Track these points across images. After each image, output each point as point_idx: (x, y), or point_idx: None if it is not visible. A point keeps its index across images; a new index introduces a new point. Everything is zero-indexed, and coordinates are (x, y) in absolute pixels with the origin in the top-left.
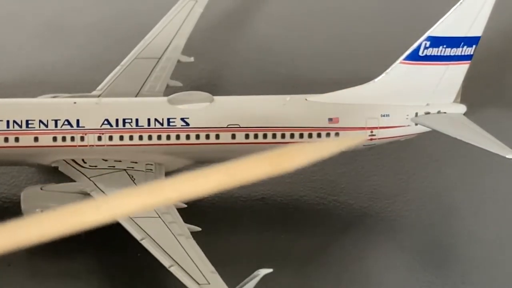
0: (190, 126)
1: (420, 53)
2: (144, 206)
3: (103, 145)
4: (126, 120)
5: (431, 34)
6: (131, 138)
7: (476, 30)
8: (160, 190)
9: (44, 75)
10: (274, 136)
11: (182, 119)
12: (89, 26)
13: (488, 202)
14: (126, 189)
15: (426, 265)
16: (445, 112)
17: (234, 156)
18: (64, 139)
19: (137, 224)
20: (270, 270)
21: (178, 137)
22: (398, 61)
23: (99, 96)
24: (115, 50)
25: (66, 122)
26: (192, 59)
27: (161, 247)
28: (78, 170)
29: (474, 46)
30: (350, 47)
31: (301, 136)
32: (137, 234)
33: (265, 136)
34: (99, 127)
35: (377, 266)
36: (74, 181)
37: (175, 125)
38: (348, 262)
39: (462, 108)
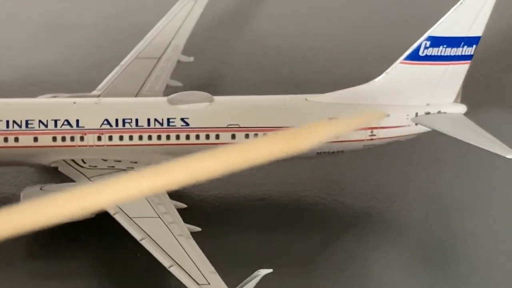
0: (190, 126)
1: (420, 53)
2: (152, 189)
3: (103, 145)
4: (126, 120)
5: (431, 34)
6: (131, 138)
7: (476, 30)
8: (167, 171)
9: (44, 75)
10: None
11: (182, 119)
12: (89, 26)
13: (488, 202)
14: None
15: (426, 265)
16: (445, 112)
17: None
18: (63, 139)
19: (137, 224)
20: (270, 270)
21: (178, 137)
22: (398, 61)
23: (99, 96)
24: (115, 50)
25: (65, 122)
26: (192, 59)
27: (161, 247)
28: (77, 170)
29: (474, 46)
30: (350, 47)
31: None
32: (137, 234)
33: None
34: (99, 127)
35: (377, 266)
36: (74, 181)
37: (175, 125)
38: (348, 262)
39: (462, 108)
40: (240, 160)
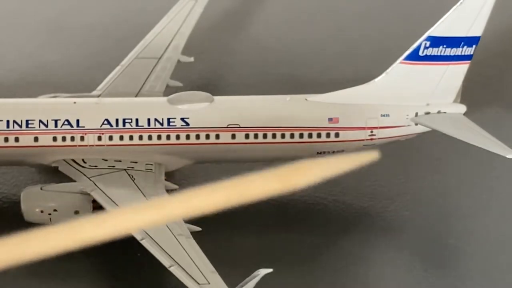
0: (190, 126)
1: (420, 53)
2: (151, 222)
3: (103, 145)
4: (126, 120)
5: (431, 34)
6: (131, 138)
7: (476, 30)
8: (166, 206)
9: (44, 75)
10: (274, 136)
11: (182, 119)
12: (89, 26)
13: (488, 202)
14: (133, 205)
15: (426, 265)
16: (445, 112)
17: (234, 156)
18: (64, 139)
19: None
20: (270, 270)
21: (178, 137)
22: (398, 61)
23: (99, 96)
24: (115, 50)
25: (66, 122)
26: (192, 59)
27: (161, 247)
28: (78, 170)
29: (474, 46)
30: (350, 47)
31: (301, 136)
32: (137, 234)
33: (265, 136)
34: (99, 127)
35: (377, 266)
36: (74, 181)
37: (175, 125)
38: (348, 262)
39: (462, 108)
40: (235, 197)
